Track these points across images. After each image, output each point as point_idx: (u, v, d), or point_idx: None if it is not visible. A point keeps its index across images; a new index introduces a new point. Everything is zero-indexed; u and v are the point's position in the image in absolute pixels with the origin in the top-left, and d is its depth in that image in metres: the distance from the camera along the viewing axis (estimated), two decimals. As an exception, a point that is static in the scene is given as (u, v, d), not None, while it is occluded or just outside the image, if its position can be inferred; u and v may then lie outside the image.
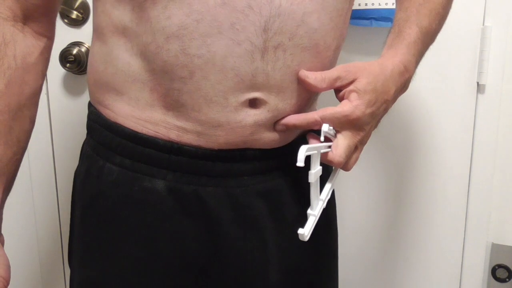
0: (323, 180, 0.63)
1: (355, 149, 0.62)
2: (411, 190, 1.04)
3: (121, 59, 0.60)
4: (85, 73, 1.03)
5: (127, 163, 0.62)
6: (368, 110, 0.60)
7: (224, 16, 0.54)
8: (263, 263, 0.66)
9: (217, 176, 0.62)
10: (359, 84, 0.59)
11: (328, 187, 0.64)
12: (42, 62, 0.64)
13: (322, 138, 0.59)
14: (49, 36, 0.66)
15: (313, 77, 0.59)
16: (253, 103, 0.59)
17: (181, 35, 0.55)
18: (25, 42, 0.61)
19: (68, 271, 0.83)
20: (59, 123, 1.09)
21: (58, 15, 0.98)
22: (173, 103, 0.59)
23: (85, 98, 1.06)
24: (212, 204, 0.62)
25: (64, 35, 1.03)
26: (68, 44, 1.03)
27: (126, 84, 0.60)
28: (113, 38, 0.60)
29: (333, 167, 0.67)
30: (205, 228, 0.62)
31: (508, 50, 0.94)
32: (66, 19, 1.03)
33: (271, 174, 0.65)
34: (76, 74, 1.06)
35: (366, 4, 0.94)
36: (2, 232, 0.61)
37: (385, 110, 0.64)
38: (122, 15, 0.59)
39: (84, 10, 1.02)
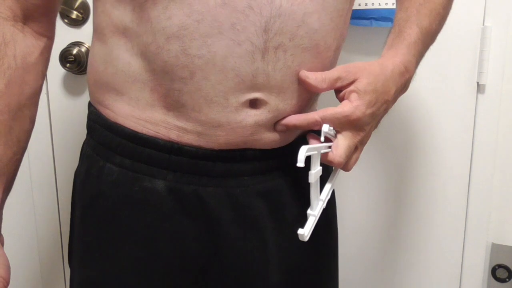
0: (323, 180, 0.63)
1: (355, 149, 0.62)
2: (411, 190, 1.04)
3: (121, 59, 0.60)
4: (85, 73, 1.03)
5: (127, 163, 0.62)
6: (369, 111, 0.60)
7: (225, 17, 0.54)
8: (263, 263, 0.66)
9: (217, 176, 0.62)
10: (360, 85, 0.59)
11: (328, 187, 0.64)
12: (42, 62, 0.64)
13: (322, 139, 0.59)
14: (49, 36, 0.65)
15: (314, 78, 0.59)
16: (254, 104, 0.59)
17: (182, 35, 0.55)
18: (25, 42, 0.61)
19: (68, 271, 0.83)
20: (59, 123, 1.09)
21: (58, 15, 0.98)
22: (173, 103, 0.59)
23: (85, 98, 1.05)
24: (212, 204, 0.62)
25: (64, 35, 1.03)
26: (68, 44, 1.03)
27: (126, 84, 0.60)
28: (113, 38, 0.60)
29: (333, 167, 0.67)
30: (205, 228, 0.62)
31: (508, 50, 0.94)
32: (66, 19, 1.03)
33: (271, 174, 0.65)
34: (76, 74, 1.05)
35: (366, 4, 0.94)
36: (2, 232, 0.61)
37: (386, 111, 0.64)
38: (123, 15, 0.58)
39: (84, 10, 1.02)
